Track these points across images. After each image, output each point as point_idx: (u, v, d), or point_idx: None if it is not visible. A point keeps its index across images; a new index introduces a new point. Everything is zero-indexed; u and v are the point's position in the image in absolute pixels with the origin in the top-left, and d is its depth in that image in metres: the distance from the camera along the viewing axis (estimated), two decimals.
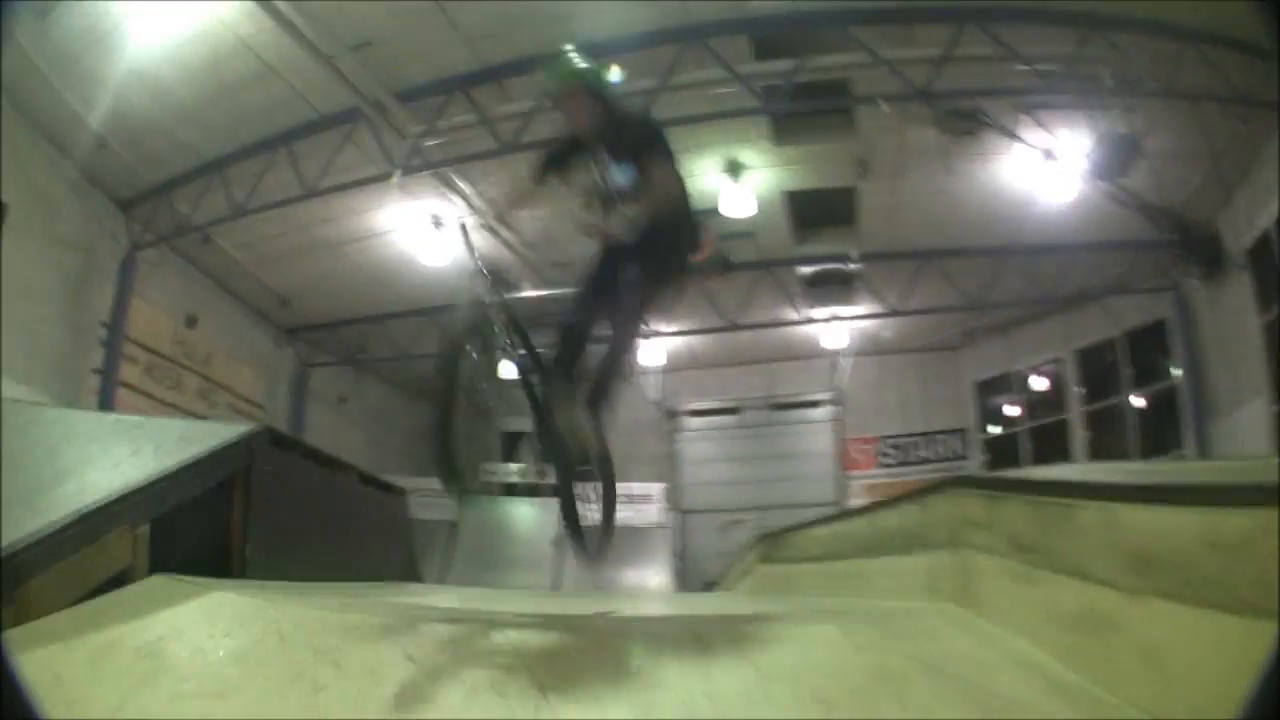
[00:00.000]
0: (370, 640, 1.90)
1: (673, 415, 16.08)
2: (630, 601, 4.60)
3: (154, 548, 2.53)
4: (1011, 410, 14.47)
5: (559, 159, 2.87)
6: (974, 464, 14.11)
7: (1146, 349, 12.21)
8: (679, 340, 14.09)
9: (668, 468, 15.56)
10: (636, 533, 12.95)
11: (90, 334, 9.35)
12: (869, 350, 14.32)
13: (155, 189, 9.58)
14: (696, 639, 1.93)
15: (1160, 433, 11.88)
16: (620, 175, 2.74)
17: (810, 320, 12.03)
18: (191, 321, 11.34)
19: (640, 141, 2.74)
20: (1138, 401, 12.28)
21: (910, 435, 15.09)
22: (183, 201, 9.56)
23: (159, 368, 10.72)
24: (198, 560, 2.77)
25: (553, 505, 11.14)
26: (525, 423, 2.84)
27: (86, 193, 9.19)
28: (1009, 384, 14.43)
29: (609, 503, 3.06)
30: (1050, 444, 13.52)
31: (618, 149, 2.73)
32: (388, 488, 5.77)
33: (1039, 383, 14.03)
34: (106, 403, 9.15)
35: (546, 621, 2.38)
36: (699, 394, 16.13)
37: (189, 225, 9.65)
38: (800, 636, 1.98)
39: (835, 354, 14.45)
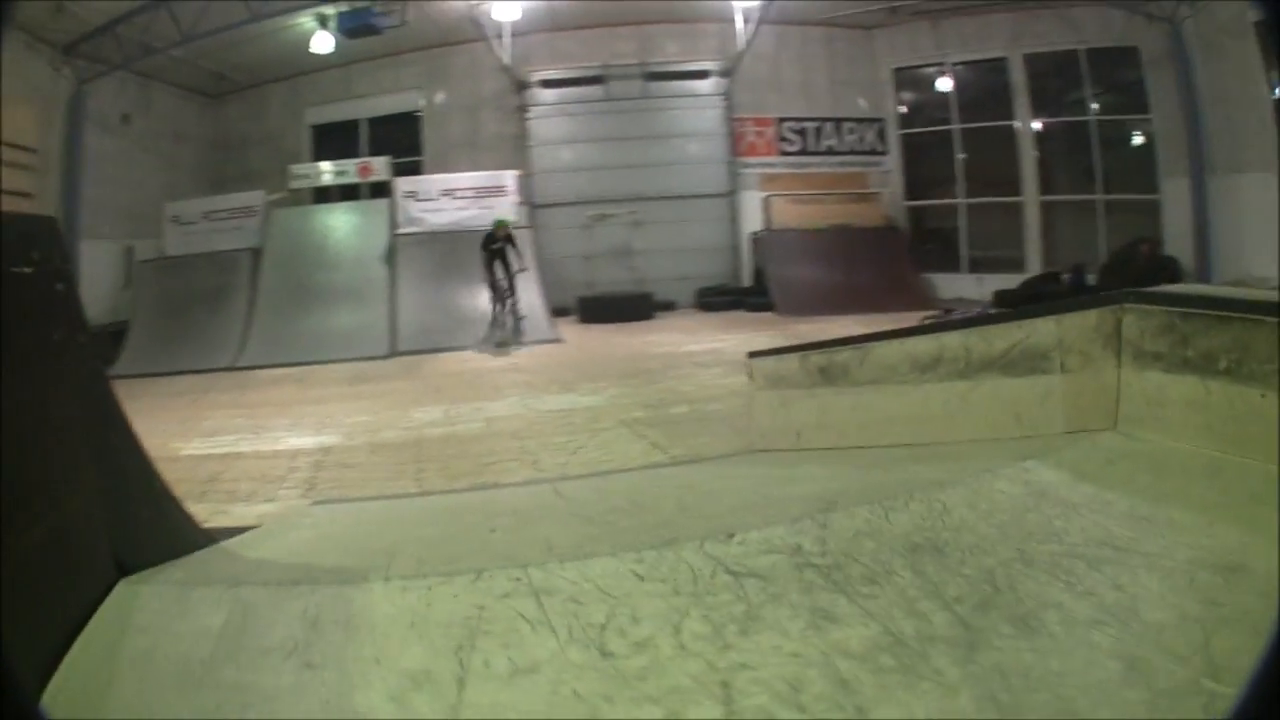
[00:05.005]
0: None
1: (523, 87, 13.22)
2: None
3: None
4: (902, 108, 13.45)
5: None
6: (891, 161, 13.39)
7: (1111, 69, 11.61)
8: None
9: (518, 152, 13.08)
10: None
11: None
12: (769, 17, 12.21)
13: None
14: None
15: (1124, 177, 11.54)
16: None
17: None
18: None
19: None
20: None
21: (815, 119, 13.19)
22: None
23: None
24: None
25: (378, 206, 11.90)
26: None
27: None
28: (923, 78, 13.08)
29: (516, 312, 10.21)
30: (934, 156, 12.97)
31: None
32: None
33: (944, 83, 12.84)
34: None
35: None
36: (557, 60, 13.16)
37: None
38: None
39: (729, 19, 12.25)
